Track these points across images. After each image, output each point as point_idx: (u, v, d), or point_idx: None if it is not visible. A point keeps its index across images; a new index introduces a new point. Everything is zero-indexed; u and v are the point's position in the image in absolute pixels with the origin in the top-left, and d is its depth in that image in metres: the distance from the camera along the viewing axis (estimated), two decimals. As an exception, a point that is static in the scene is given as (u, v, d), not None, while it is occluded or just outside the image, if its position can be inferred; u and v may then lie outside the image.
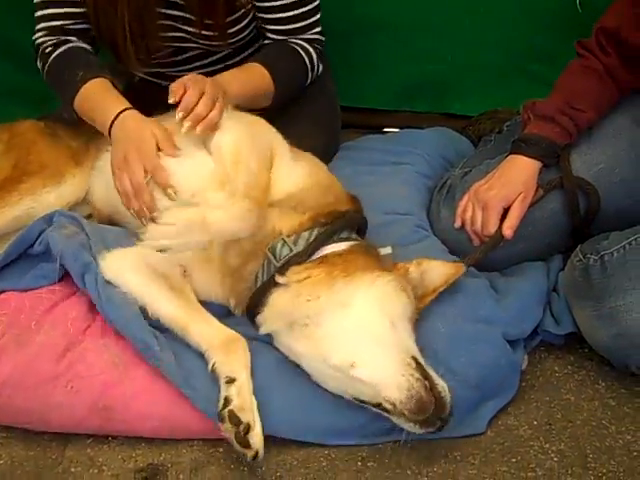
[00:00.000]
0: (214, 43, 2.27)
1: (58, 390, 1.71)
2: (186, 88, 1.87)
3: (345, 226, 1.81)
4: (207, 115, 1.86)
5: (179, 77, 2.03)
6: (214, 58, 2.39)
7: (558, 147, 1.96)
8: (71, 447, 1.71)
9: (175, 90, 1.87)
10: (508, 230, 1.91)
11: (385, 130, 2.91)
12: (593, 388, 1.81)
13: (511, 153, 1.99)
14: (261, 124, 1.99)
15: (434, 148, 2.39)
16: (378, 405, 1.55)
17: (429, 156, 2.33)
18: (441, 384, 1.54)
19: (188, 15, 2.18)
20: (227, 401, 1.58)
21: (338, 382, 1.62)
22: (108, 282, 1.81)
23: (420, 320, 1.75)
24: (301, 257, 1.72)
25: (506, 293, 1.93)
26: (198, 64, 2.39)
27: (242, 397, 1.59)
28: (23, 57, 2.73)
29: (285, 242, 1.75)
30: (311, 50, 2.30)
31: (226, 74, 2.11)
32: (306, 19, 2.28)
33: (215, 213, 1.73)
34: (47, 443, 1.71)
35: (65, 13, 2.20)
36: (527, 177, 1.95)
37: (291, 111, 2.33)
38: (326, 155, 2.43)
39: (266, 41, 2.32)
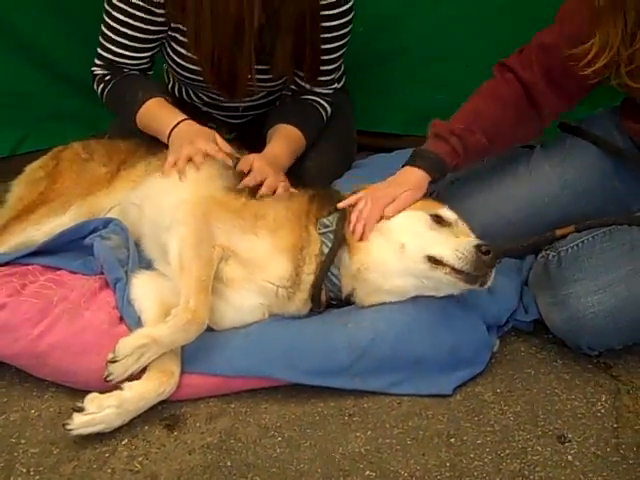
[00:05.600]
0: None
1: (100, 359, 1.98)
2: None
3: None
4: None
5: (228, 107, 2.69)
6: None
7: (447, 165, 2.16)
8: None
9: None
10: (388, 211, 2.07)
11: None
12: (552, 365, 2.10)
13: (406, 164, 2.18)
14: (210, 216, 2.14)
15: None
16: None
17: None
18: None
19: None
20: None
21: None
22: (130, 301, 2.15)
23: (416, 299, 2.08)
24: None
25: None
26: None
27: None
28: (79, 83, 3.15)
29: (323, 219, 2.15)
30: (326, 105, 2.76)
31: (278, 151, 2.53)
32: (333, 75, 2.74)
33: (159, 330, 1.95)
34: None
35: (130, 56, 2.57)
36: (415, 181, 2.13)
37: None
38: (339, 171, 2.81)
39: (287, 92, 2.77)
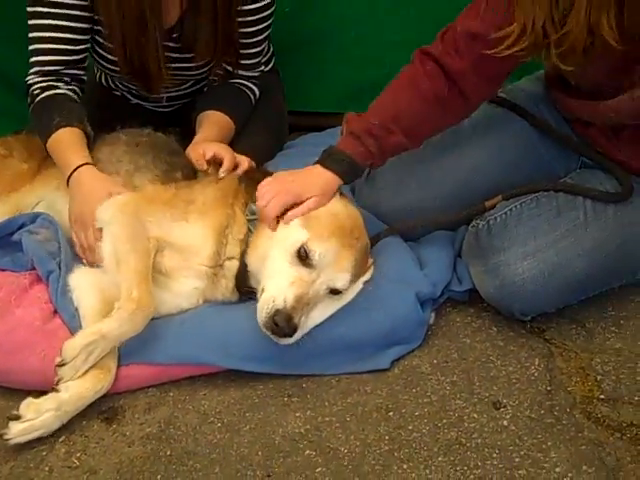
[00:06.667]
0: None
1: (33, 357, 1.98)
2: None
3: None
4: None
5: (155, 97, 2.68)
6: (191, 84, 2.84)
7: (360, 167, 2.09)
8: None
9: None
10: (289, 216, 2.01)
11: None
12: (487, 333, 2.13)
13: (317, 162, 2.10)
14: (140, 212, 2.12)
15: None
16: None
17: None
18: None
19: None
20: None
21: None
22: (66, 292, 2.11)
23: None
24: None
25: (423, 259, 2.26)
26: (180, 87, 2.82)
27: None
28: (9, 79, 3.09)
29: (251, 205, 2.12)
30: (254, 88, 2.76)
31: (210, 137, 2.49)
32: (258, 58, 2.72)
33: (105, 324, 1.92)
34: (24, 396, 1.91)
35: (61, 60, 2.42)
36: (324, 185, 2.05)
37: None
38: (270, 152, 2.82)
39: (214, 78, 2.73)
